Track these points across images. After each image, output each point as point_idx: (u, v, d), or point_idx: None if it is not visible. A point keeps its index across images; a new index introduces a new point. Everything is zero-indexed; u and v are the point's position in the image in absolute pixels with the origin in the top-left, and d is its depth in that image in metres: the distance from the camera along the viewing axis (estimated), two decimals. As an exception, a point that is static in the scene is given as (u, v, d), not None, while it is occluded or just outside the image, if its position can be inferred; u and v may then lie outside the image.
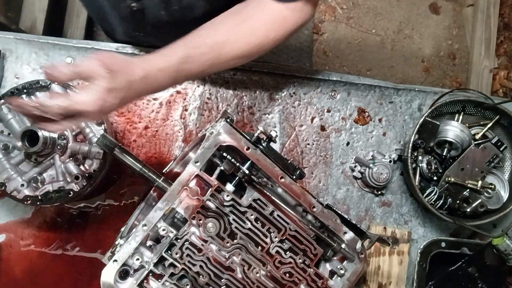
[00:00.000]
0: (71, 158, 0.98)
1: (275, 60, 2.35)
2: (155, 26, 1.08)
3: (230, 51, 0.87)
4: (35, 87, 0.98)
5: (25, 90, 0.98)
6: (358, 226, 0.90)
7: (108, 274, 0.80)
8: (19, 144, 0.91)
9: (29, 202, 0.96)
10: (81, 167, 0.99)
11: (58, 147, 0.96)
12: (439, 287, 1.18)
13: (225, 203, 0.84)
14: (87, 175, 0.97)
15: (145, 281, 0.82)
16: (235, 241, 0.85)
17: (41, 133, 0.91)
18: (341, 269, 0.90)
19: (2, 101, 0.97)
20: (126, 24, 1.12)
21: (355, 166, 1.18)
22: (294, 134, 1.20)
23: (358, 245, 0.90)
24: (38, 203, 0.96)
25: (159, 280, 0.83)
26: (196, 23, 0.88)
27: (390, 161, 1.18)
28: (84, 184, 0.97)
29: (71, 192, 0.96)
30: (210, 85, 1.18)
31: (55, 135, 0.96)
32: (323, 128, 1.20)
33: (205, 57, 0.84)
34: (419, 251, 1.17)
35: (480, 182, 1.12)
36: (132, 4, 1.01)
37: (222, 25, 0.88)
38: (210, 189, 0.84)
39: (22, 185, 0.96)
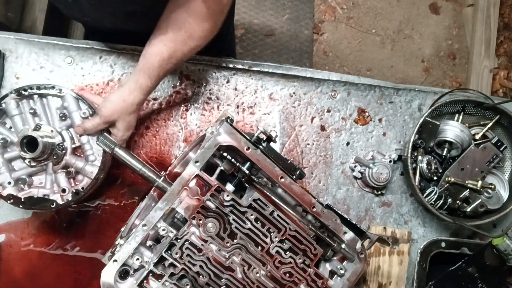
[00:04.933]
0: (63, 170, 0.97)
1: (275, 60, 2.35)
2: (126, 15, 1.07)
3: (180, 56, 0.96)
4: (47, 87, 0.97)
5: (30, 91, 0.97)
6: (358, 226, 0.90)
7: (108, 274, 0.80)
8: (18, 149, 0.91)
9: (11, 201, 0.95)
10: (71, 181, 0.98)
11: (54, 156, 0.95)
12: (439, 287, 1.18)
13: (225, 203, 0.84)
14: (74, 191, 0.96)
15: (145, 281, 0.82)
16: (235, 241, 0.85)
17: (41, 140, 0.90)
18: (341, 269, 0.90)
19: (13, 94, 0.96)
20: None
21: (355, 166, 1.18)
22: (294, 134, 1.20)
23: (358, 245, 0.90)
24: (20, 205, 0.95)
25: (159, 280, 0.83)
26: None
27: (390, 161, 1.18)
28: (69, 199, 0.96)
29: (54, 204, 0.95)
30: (210, 85, 1.18)
31: (55, 141, 0.95)
32: (323, 128, 1.20)
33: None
34: (419, 251, 1.17)
35: (480, 182, 1.12)
36: None
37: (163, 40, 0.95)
38: (210, 189, 0.84)
39: (9, 182, 0.95)
